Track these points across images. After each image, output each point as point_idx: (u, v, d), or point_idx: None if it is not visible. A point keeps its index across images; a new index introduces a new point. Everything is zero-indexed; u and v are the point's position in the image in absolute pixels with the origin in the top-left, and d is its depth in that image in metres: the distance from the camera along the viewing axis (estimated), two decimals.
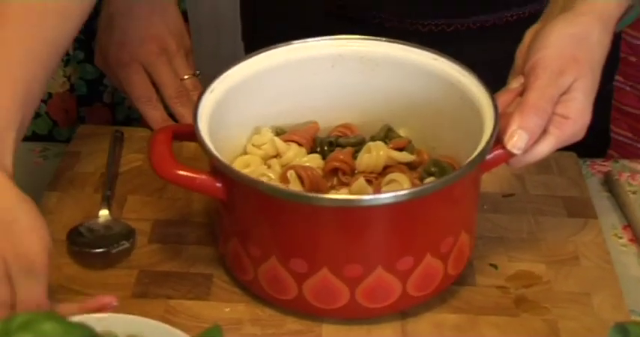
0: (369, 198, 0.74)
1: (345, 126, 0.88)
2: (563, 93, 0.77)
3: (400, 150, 0.85)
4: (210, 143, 0.75)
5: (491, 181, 0.95)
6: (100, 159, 0.95)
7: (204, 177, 0.75)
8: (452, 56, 0.84)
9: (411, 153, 0.85)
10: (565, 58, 0.77)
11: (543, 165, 0.98)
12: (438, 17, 1.02)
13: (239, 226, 0.77)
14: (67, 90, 1.07)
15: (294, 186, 0.79)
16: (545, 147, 0.77)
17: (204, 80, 0.99)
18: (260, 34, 1.14)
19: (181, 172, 0.75)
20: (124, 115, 1.12)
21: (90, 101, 1.10)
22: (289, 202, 0.72)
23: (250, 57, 0.84)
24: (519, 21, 1.02)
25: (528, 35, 0.82)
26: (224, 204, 0.77)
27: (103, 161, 0.95)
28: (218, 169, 0.74)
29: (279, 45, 0.85)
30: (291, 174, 0.80)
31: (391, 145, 0.85)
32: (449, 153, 0.84)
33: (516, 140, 0.75)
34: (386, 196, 0.72)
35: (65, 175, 0.93)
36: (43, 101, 1.06)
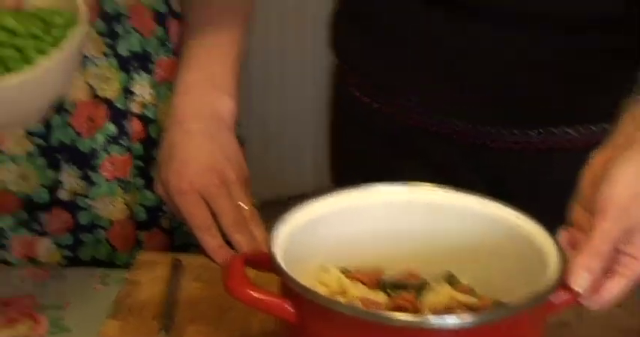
0: (435, 319, 0.72)
1: (409, 273, 0.86)
2: (632, 232, 0.75)
3: None
4: (291, 272, 0.74)
5: None
6: (158, 287, 0.93)
7: (275, 299, 0.74)
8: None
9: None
10: (632, 197, 0.75)
11: None
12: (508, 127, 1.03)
13: None
14: (127, 217, 1.07)
15: None
16: (615, 287, 0.75)
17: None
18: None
19: (254, 294, 0.74)
20: (182, 241, 1.10)
21: (148, 226, 1.10)
22: (361, 320, 0.70)
23: (324, 196, 0.84)
24: (577, 149, 1.02)
25: (598, 160, 0.80)
26: (292, 326, 0.75)
27: (162, 289, 0.93)
28: (292, 291, 0.74)
29: (353, 187, 0.85)
30: (357, 304, 0.78)
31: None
32: (513, 300, 0.80)
33: (578, 280, 0.74)
34: (451, 319, 0.71)
35: (125, 303, 0.91)
36: (103, 228, 1.07)
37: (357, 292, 0.81)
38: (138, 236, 1.09)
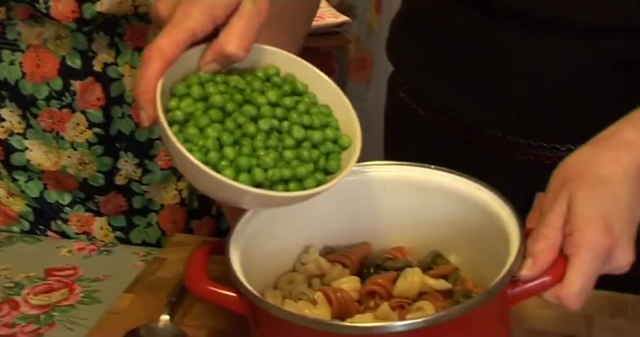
0: (373, 325, 0.68)
1: (398, 249, 0.82)
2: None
3: (444, 277, 0.80)
4: (239, 267, 0.72)
5: (556, 319, 0.86)
6: (181, 267, 0.93)
7: (232, 294, 0.72)
8: None
9: (455, 281, 0.79)
10: (562, 180, 0.70)
11: (618, 308, 0.88)
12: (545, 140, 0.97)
13: None
14: (178, 203, 1.09)
15: (322, 308, 0.74)
16: (575, 274, 0.68)
17: None
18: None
19: (211, 288, 0.73)
20: (227, 226, 1.11)
21: (200, 215, 1.11)
22: (291, 325, 0.67)
23: None
24: None
25: (576, 157, 0.74)
26: (251, 319, 0.73)
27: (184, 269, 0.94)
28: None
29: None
30: (318, 295, 0.74)
31: (435, 272, 0.79)
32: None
33: (521, 266, 0.68)
34: (395, 324, 0.65)
35: (145, 280, 0.92)
36: (155, 212, 1.09)
37: (335, 275, 0.79)
38: (190, 225, 1.11)
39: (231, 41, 0.70)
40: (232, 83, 0.73)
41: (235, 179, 0.69)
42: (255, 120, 0.72)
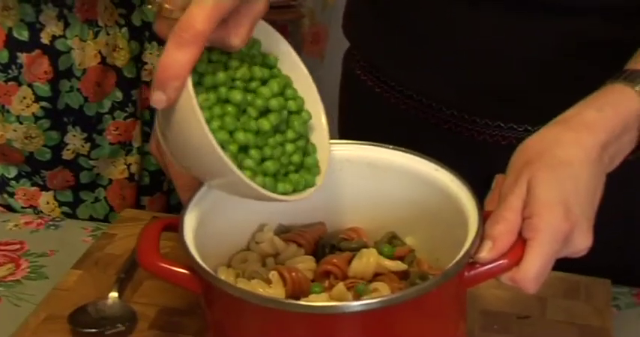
0: (328, 305, 0.68)
1: (353, 229, 0.81)
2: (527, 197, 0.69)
3: (400, 258, 0.80)
4: (192, 244, 0.70)
5: (510, 300, 0.86)
6: (131, 243, 0.92)
7: (184, 271, 0.70)
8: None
9: (411, 263, 0.79)
10: (522, 161, 0.70)
11: (572, 289, 0.89)
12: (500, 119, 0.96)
13: (214, 321, 0.71)
14: (126, 178, 1.06)
15: (276, 288, 0.73)
16: (533, 258, 0.66)
17: None
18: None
19: (163, 265, 0.70)
20: (177, 201, 1.09)
21: (152, 191, 1.09)
22: (245, 303, 0.65)
23: None
24: None
25: (536, 139, 0.74)
26: (203, 297, 0.72)
27: (134, 245, 0.92)
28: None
29: None
30: (273, 274, 0.73)
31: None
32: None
33: (480, 248, 0.67)
34: (351, 304, 0.65)
35: (94, 255, 0.90)
36: (103, 187, 1.06)
37: (289, 254, 0.78)
38: (141, 201, 1.09)
39: (240, 35, 0.67)
40: (236, 73, 0.70)
41: (264, 185, 0.69)
42: (263, 113, 0.70)
